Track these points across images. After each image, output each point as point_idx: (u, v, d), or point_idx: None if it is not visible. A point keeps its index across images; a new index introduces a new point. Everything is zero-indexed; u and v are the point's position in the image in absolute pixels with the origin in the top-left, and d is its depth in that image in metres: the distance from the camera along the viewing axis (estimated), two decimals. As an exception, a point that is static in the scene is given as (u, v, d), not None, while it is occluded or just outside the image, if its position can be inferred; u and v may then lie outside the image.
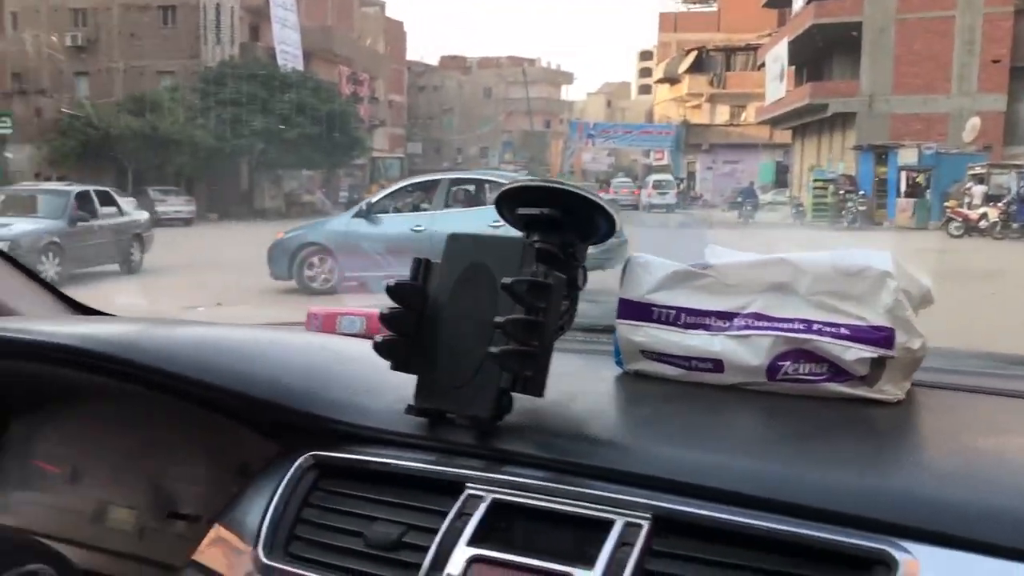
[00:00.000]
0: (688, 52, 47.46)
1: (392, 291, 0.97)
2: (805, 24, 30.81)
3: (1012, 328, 5.64)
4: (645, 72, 65.71)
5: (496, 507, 0.87)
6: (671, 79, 50.31)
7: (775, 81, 36.03)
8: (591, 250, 0.99)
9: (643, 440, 0.94)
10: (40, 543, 1.19)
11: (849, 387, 0.98)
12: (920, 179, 23.65)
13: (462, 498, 0.89)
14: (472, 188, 10.96)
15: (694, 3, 54.98)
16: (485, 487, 0.88)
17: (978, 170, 21.55)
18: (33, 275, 1.64)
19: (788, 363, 1.00)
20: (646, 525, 0.80)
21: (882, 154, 25.29)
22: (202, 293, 9.20)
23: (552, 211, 0.92)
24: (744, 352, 1.01)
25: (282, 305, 9.42)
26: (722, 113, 46.60)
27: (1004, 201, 19.62)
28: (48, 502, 1.36)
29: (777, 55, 35.63)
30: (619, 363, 1.12)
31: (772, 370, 1.00)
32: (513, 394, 0.93)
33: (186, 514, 1.25)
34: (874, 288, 0.97)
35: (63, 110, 27.87)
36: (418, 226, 9.90)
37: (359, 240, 9.95)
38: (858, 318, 0.97)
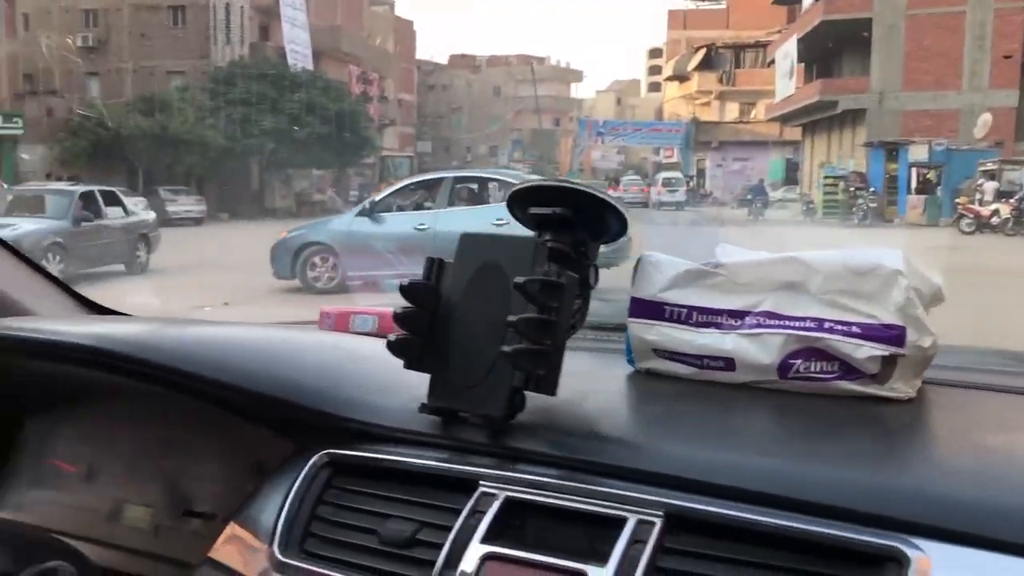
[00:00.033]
0: (697, 49, 47.34)
1: (405, 290, 0.98)
2: (814, 21, 30.69)
3: (1024, 325, 5.61)
4: (655, 70, 65.62)
5: (509, 505, 0.87)
6: (680, 76, 50.20)
7: (785, 78, 35.91)
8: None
9: (655, 438, 0.94)
10: (59, 540, 1.20)
11: (860, 385, 0.98)
12: (931, 176, 23.55)
13: (475, 496, 0.89)
14: (475, 186, 10.91)
15: (703, 0, 54.86)
16: (498, 485, 0.89)
17: (989, 166, 21.43)
18: (48, 275, 1.65)
19: (800, 361, 1.00)
20: (658, 522, 0.81)
21: (893, 151, 25.17)
22: (209, 293, 9.18)
23: (564, 210, 0.93)
24: (756, 350, 1.02)
25: (290, 304, 9.41)
26: (732, 110, 46.48)
27: (1016, 197, 19.48)
28: (65, 500, 1.37)
29: (787, 52, 35.52)
30: (631, 361, 1.13)
31: (784, 368, 1.01)
32: (526, 393, 0.94)
33: (201, 512, 1.25)
34: (885, 286, 0.97)
35: (77, 111, 28.00)
36: (422, 224, 9.85)
37: (362, 239, 9.89)
38: (869, 316, 0.97)
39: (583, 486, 0.86)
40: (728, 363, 1.04)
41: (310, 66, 34.60)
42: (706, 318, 1.06)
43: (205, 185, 29.05)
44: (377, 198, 10.93)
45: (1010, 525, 0.71)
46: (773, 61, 38.51)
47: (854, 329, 0.97)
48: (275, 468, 1.06)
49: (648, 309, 1.08)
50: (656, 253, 1.11)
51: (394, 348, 0.99)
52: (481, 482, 0.90)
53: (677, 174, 37.22)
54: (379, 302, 1.54)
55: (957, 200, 20.69)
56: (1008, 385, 1.08)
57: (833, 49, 32.18)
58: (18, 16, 30.13)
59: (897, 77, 28.54)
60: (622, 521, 0.82)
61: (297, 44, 35.18)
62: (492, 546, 0.84)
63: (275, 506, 1.00)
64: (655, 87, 65.40)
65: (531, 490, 0.88)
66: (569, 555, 0.81)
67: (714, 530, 0.80)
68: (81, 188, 13.28)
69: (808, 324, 1.00)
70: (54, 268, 10.67)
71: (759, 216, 25.66)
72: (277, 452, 1.09)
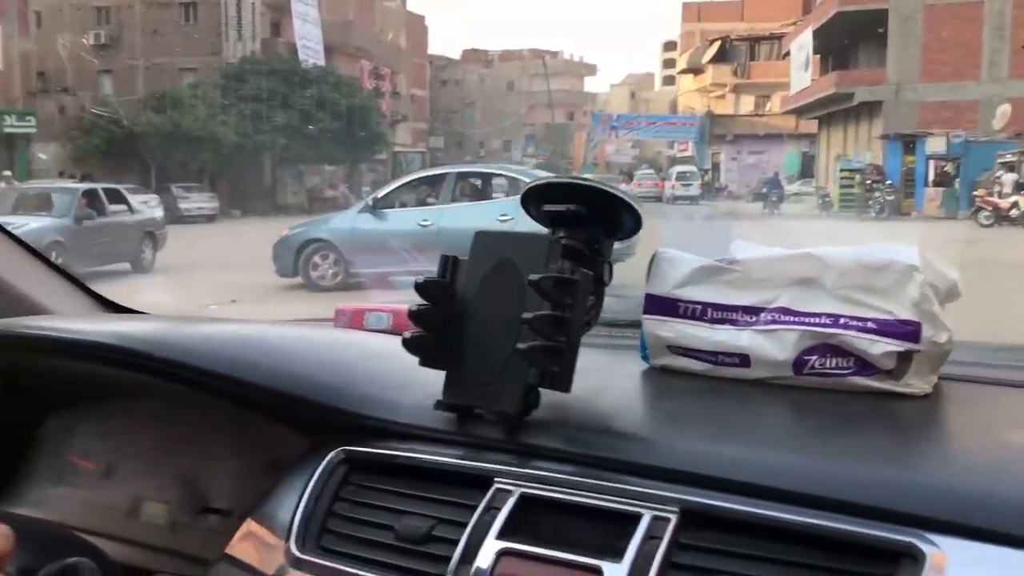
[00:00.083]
0: (712, 42, 47.16)
1: (420, 288, 0.98)
2: (830, 12, 30.48)
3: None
4: (669, 63, 65.31)
5: (524, 501, 0.88)
6: (695, 69, 50.00)
7: (800, 70, 35.70)
8: None
9: (670, 434, 0.94)
10: (78, 537, 1.22)
11: (876, 381, 0.98)
12: (948, 168, 23.33)
13: (491, 492, 0.90)
14: (479, 182, 10.87)
15: (717, -8, 54.58)
16: (513, 481, 0.89)
17: (1008, 158, 21.21)
18: (66, 273, 1.66)
19: (815, 357, 1.00)
20: (674, 518, 0.81)
21: (910, 143, 24.98)
22: (217, 291, 9.16)
23: (578, 207, 0.93)
24: (771, 347, 1.02)
25: (297, 302, 9.39)
26: (747, 103, 46.29)
27: (1035, 189, 19.31)
28: (83, 497, 1.39)
29: (802, 44, 35.29)
30: (645, 358, 1.13)
31: (799, 364, 1.01)
32: (541, 389, 0.94)
33: (218, 509, 1.26)
34: (900, 282, 0.97)
35: (92, 109, 28.17)
36: (425, 221, 9.79)
37: (365, 236, 9.86)
38: (885, 312, 0.97)
39: (598, 482, 0.86)
40: (743, 359, 1.04)
41: (322, 62, 34.65)
42: (721, 314, 1.05)
43: (217, 182, 29.18)
44: (380, 194, 10.87)
45: None
46: (788, 53, 38.26)
47: (869, 325, 0.97)
48: (292, 465, 1.07)
49: (663, 306, 1.08)
50: (671, 249, 1.11)
51: (409, 345, 0.99)
52: (496, 478, 0.90)
53: (691, 168, 37.10)
54: (393, 299, 1.55)
55: (975, 193, 20.46)
56: None
57: (849, 41, 31.97)
58: (31, 14, 30.29)
59: (914, 68, 28.30)
60: (637, 517, 0.82)
61: (309, 40, 35.24)
62: (507, 542, 0.85)
63: (292, 503, 1.01)
64: (669, 80, 65.15)
65: (546, 486, 0.88)
66: (584, 551, 0.82)
67: (729, 526, 0.80)
68: (84, 186, 13.27)
69: (823, 320, 0.99)
70: (54, 267, 10.68)
71: (775, 210, 25.52)
72: (294, 449, 1.10)
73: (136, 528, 1.32)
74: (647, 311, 1.10)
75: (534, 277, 0.89)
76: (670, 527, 0.81)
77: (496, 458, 0.93)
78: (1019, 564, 0.69)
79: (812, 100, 33.47)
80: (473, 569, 0.84)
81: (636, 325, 1.14)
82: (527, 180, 8.27)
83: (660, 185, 36.07)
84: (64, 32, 31.26)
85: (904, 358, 0.97)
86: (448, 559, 0.87)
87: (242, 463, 1.25)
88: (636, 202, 0.95)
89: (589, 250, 0.94)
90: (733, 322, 1.05)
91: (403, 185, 11.19)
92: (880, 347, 0.96)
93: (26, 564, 0.85)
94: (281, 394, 1.12)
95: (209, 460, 1.29)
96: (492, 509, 0.88)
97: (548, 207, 0.96)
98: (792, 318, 1.01)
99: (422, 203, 10.71)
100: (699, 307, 1.06)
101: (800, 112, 37.26)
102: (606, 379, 1.09)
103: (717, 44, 46.46)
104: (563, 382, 0.93)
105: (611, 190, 0.94)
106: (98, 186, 13.59)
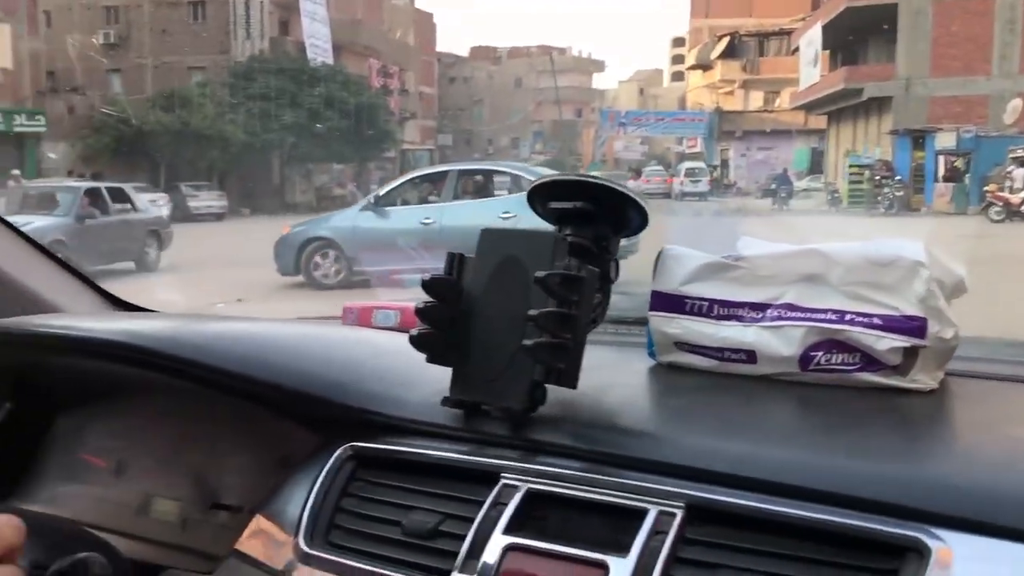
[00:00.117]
0: (720, 38, 47.01)
1: (427, 285, 0.98)
2: (839, 7, 30.34)
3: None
4: (677, 59, 65.22)
5: (531, 496, 0.88)
6: (703, 65, 49.88)
7: (809, 66, 35.57)
8: None
9: (676, 430, 0.95)
10: (90, 533, 1.22)
11: (882, 377, 0.98)
12: (958, 163, 23.21)
13: (497, 488, 0.90)
14: (481, 179, 10.84)
15: (726, -12, 54.38)
16: (520, 477, 0.90)
17: (1020, 153, 21.01)
18: (75, 271, 1.67)
19: (821, 353, 1.00)
20: (679, 514, 0.81)
21: (919, 138, 24.85)
22: (223, 289, 9.16)
23: (584, 204, 0.93)
24: (777, 343, 1.02)
25: (303, 300, 9.38)
26: (755, 99, 46.13)
27: (1048, 184, 19.18)
28: (95, 494, 1.39)
29: (811, 39, 35.16)
30: (652, 355, 1.13)
31: (805, 360, 1.01)
32: (547, 386, 0.94)
33: (228, 505, 1.27)
34: (906, 278, 0.97)
35: (101, 108, 28.27)
36: (427, 218, 9.77)
37: (367, 234, 9.85)
38: (891, 308, 0.97)
39: (604, 478, 0.86)
40: (749, 355, 1.04)
41: (330, 60, 34.69)
42: (727, 311, 1.06)
43: (226, 180, 29.26)
44: (382, 192, 10.85)
45: None
46: (797, 49, 38.13)
47: (875, 321, 0.97)
48: (300, 461, 1.08)
49: (669, 302, 1.09)
50: (677, 246, 1.11)
51: (417, 342, 1.00)
52: (503, 474, 0.91)
53: (700, 164, 37.03)
54: (400, 297, 1.56)
55: (986, 188, 20.35)
56: None
57: (858, 36, 31.83)
58: (40, 14, 30.42)
59: (924, 63, 28.15)
60: (643, 512, 0.82)
61: (317, 38, 35.28)
62: (514, 537, 0.85)
63: (300, 499, 1.01)
64: (678, 76, 65.03)
65: (552, 482, 0.88)
66: (590, 546, 0.82)
67: (735, 521, 0.80)
68: (86, 184, 13.22)
69: (829, 316, 1.00)
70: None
71: (784, 206, 25.47)
72: (302, 446, 1.10)
73: (147, 524, 1.33)
74: (653, 308, 1.10)
75: (540, 274, 0.89)
76: (676, 522, 0.81)
77: (503, 454, 0.94)
78: (1024, 559, 0.69)
79: (821, 96, 33.34)
80: (480, 564, 0.85)
81: (643, 322, 1.14)
82: (529, 177, 8.27)
83: (669, 181, 36.04)
84: (73, 31, 31.39)
85: (910, 354, 0.97)
86: (455, 554, 0.87)
87: (252, 459, 1.26)
88: (642, 199, 0.95)
89: (596, 247, 0.94)
90: (739, 318, 1.05)
91: (405, 183, 11.16)
92: (886, 343, 0.96)
93: (37, 559, 0.86)
94: (291, 391, 1.13)
95: (219, 457, 1.30)
96: (499, 504, 0.88)
97: (554, 204, 0.96)
98: (798, 314, 1.01)
99: (424, 201, 10.68)
100: (705, 304, 1.07)
101: (809, 108, 37.14)
102: (613, 376, 1.09)
103: (726, 40, 46.30)
104: (569, 378, 0.93)
105: (617, 187, 0.95)
106: (101, 185, 13.57)
